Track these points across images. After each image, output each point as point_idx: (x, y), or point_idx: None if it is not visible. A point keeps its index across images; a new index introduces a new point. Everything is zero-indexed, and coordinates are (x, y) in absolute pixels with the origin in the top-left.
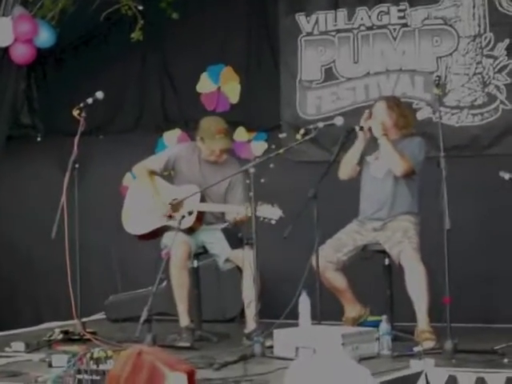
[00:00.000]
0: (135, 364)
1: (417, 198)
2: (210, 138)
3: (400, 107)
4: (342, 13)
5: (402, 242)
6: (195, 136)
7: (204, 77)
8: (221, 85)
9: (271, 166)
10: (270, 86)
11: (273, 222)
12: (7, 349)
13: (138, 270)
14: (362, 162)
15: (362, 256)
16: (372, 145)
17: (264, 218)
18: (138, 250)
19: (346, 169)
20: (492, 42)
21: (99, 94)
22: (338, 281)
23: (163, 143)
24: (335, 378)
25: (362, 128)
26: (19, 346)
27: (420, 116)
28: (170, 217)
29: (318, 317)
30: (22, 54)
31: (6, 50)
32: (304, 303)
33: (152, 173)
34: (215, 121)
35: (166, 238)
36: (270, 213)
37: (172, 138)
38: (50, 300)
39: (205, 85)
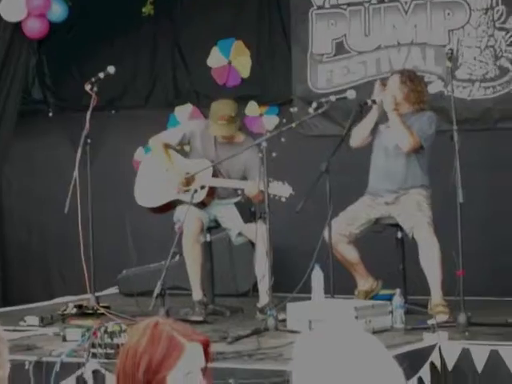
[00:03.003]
0: (153, 335)
1: (427, 172)
2: (214, 122)
3: (414, 82)
4: None
5: (415, 216)
6: (206, 111)
7: (215, 51)
8: (232, 59)
9: (282, 140)
10: (281, 59)
11: (283, 199)
12: (21, 323)
13: (151, 244)
14: (374, 129)
15: (375, 229)
16: (386, 114)
17: (274, 196)
18: (151, 223)
19: (358, 138)
20: (504, 15)
21: (111, 69)
22: (350, 254)
23: (175, 118)
24: (347, 347)
25: (374, 101)
26: (33, 320)
27: (431, 89)
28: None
29: (331, 290)
30: (35, 28)
31: (17, 24)
32: (317, 277)
33: (167, 146)
34: (223, 106)
35: (179, 212)
36: (281, 190)
37: (183, 112)
38: (63, 275)
39: (215, 59)
